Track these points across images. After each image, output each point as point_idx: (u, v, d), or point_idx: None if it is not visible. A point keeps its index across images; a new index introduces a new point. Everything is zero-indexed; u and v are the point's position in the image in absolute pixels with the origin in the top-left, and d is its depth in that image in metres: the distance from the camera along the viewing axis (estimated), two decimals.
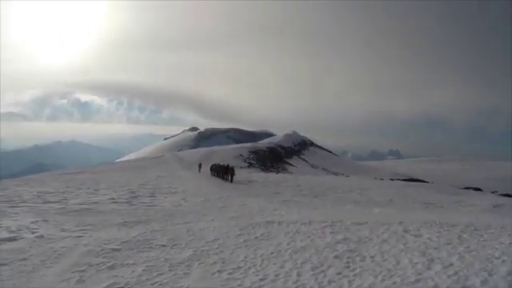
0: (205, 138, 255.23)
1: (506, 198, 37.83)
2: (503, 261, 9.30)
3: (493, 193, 51.46)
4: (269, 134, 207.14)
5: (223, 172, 40.88)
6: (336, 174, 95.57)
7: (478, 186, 67.08)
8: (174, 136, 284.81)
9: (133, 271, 9.26)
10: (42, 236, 12.31)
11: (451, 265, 9.12)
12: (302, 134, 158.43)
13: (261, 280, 8.65)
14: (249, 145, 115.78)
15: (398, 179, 74.94)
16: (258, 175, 54.12)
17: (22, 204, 18.83)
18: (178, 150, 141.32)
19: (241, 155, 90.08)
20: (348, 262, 9.69)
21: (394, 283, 8.16)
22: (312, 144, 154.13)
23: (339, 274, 8.90)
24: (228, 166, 41.18)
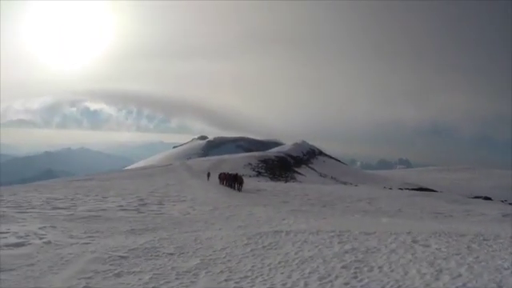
0: (214, 146, 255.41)
1: None
2: None
3: (502, 202, 51.11)
4: (278, 143, 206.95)
5: (232, 181, 40.82)
6: (345, 183, 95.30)
7: (488, 195, 66.61)
8: (183, 144, 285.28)
9: (140, 279, 9.25)
10: (49, 242, 12.35)
11: (460, 276, 9.06)
12: (310, 142, 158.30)
13: None
14: (258, 154, 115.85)
15: (407, 188, 74.58)
16: (266, 184, 54.12)
17: (30, 210, 18.91)
18: (187, 159, 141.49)
19: (250, 164, 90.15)
20: (356, 273, 9.64)
21: None
22: (321, 153, 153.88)
23: (347, 284, 8.86)
24: (237, 174, 41.12)
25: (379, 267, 10.06)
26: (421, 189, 76.90)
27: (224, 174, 45.37)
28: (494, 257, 10.77)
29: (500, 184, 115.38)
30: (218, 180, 45.84)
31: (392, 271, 9.67)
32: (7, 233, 13.05)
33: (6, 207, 19.01)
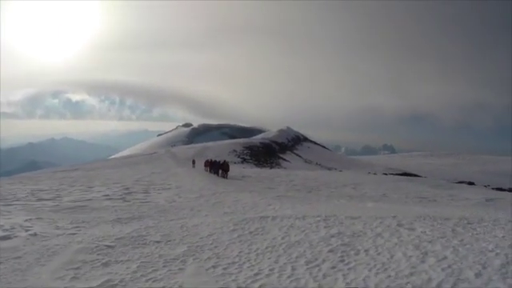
0: (198, 133, 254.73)
1: (499, 192, 38.05)
2: (497, 254, 9.34)
3: (485, 187, 51.72)
4: (263, 130, 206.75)
5: (217, 168, 40.80)
6: (329, 168, 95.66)
7: (471, 180, 67.32)
8: (167, 132, 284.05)
9: (127, 268, 9.24)
10: (35, 234, 12.28)
11: (445, 258, 9.15)
12: (295, 129, 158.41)
13: (255, 275, 8.65)
14: (242, 140, 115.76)
15: (392, 174, 75.08)
16: (251, 170, 54.16)
17: (15, 202, 18.77)
18: (172, 146, 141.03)
19: (234, 151, 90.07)
20: (342, 256, 9.70)
21: (389, 276, 8.18)
22: (306, 139, 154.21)
23: (334, 267, 8.92)
24: (224, 161, 41.08)
25: (365, 251, 10.13)
26: (405, 174, 77.44)
27: (209, 161, 45.35)
28: (478, 240, 10.89)
29: (484, 169, 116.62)
30: (203, 167, 45.82)
31: (378, 254, 9.74)
32: None
33: None
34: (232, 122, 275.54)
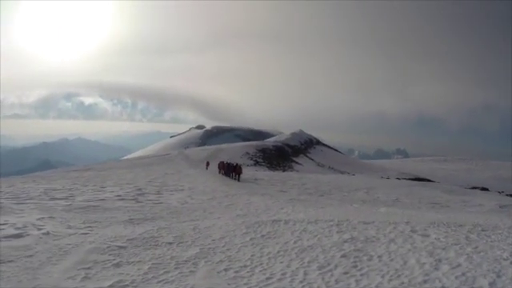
0: (211, 135, 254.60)
1: None
2: (511, 262, 9.25)
3: (499, 193, 51.24)
4: (276, 134, 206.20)
5: (230, 170, 40.80)
6: (342, 172, 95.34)
7: (484, 186, 66.78)
8: (180, 134, 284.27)
9: (139, 269, 9.24)
10: (48, 233, 12.31)
11: (459, 265, 9.09)
12: (307, 132, 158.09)
13: (267, 279, 8.62)
14: (256, 143, 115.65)
15: (405, 178, 74.66)
16: (264, 173, 54.10)
17: (28, 201, 18.83)
18: (185, 148, 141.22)
19: (247, 153, 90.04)
20: (355, 262, 9.66)
21: (402, 284, 8.12)
22: (318, 142, 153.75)
23: (346, 273, 8.87)
24: (237, 164, 41.02)
25: (379, 256, 10.07)
26: (418, 179, 76.98)
27: (223, 163, 45.33)
28: (492, 247, 10.79)
29: (497, 175, 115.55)
30: (216, 169, 45.83)
31: (391, 260, 9.69)
32: (5, 224, 12.98)
33: (4, 199, 18.94)
34: (244, 125, 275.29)
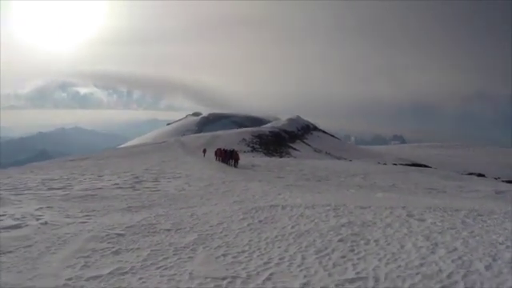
0: (208, 122, 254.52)
1: (509, 185, 37.81)
2: (507, 246, 9.34)
3: (496, 179, 51.44)
4: (273, 119, 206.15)
5: (227, 157, 40.83)
6: (339, 158, 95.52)
7: (481, 172, 66.98)
8: (176, 121, 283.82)
9: (138, 256, 9.28)
10: (46, 223, 12.31)
11: (455, 249, 9.15)
12: (304, 118, 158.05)
13: (265, 263, 8.68)
14: (252, 129, 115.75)
15: (401, 164, 74.86)
16: (261, 159, 54.20)
17: (26, 191, 18.83)
18: (182, 135, 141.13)
19: (244, 139, 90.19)
20: (352, 246, 9.72)
21: (399, 267, 8.18)
22: (315, 128, 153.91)
23: (343, 257, 8.93)
24: (233, 150, 41.04)
25: (375, 240, 10.14)
26: (415, 164, 77.22)
27: (220, 150, 45.35)
28: (488, 232, 10.87)
29: (494, 161, 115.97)
30: (213, 156, 45.88)
31: (388, 244, 9.75)
32: (4, 215, 12.97)
33: (2, 190, 18.91)
34: (240, 112, 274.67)
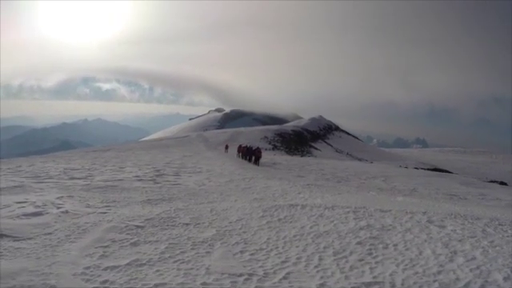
0: (230, 119, 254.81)
1: None
2: None
3: None
4: (296, 118, 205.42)
5: (250, 154, 40.72)
6: (360, 159, 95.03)
7: (503, 180, 66.08)
8: (199, 116, 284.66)
9: (156, 248, 9.34)
10: (66, 211, 12.46)
11: (474, 258, 9.06)
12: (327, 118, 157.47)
13: (283, 262, 8.68)
14: (274, 127, 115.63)
15: (423, 168, 74.21)
16: (282, 158, 54.15)
17: (47, 180, 19.06)
18: (204, 131, 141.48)
19: (266, 137, 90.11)
20: (370, 249, 9.68)
21: (416, 273, 8.13)
22: (337, 128, 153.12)
23: (361, 260, 8.89)
24: (257, 148, 40.94)
25: (394, 245, 10.07)
26: (436, 169, 76.48)
27: (242, 146, 45.29)
28: (508, 242, 10.72)
29: None
30: (235, 152, 45.88)
31: (407, 250, 9.68)
32: (25, 202, 13.20)
33: (24, 177, 19.21)
34: (259, 110, 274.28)
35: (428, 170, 68.78)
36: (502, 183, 57.71)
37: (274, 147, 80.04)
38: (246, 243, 10.08)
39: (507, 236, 11.51)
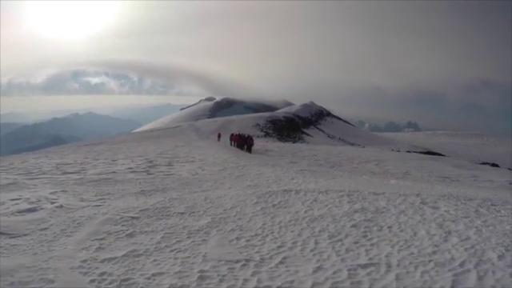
0: (222, 107, 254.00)
1: None
2: None
3: (510, 169, 50.95)
4: (287, 105, 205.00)
5: (242, 142, 40.72)
6: (353, 144, 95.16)
7: (495, 162, 66.40)
8: (190, 106, 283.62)
9: (152, 238, 9.38)
10: (61, 206, 12.45)
11: (468, 238, 9.14)
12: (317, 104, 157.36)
13: (278, 247, 8.73)
14: (266, 114, 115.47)
15: (415, 152, 74.41)
16: (274, 144, 54.14)
17: (41, 176, 18.98)
18: (195, 120, 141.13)
19: (257, 124, 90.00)
20: (365, 232, 9.75)
21: (411, 254, 8.19)
22: (329, 114, 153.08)
23: (356, 242, 8.96)
24: (248, 135, 40.92)
25: (389, 227, 10.15)
26: (429, 152, 76.70)
27: (234, 134, 45.27)
28: (502, 222, 10.82)
29: (508, 151, 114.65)
30: (227, 141, 45.86)
31: (401, 231, 9.75)
32: (19, 199, 13.14)
33: (17, 174, 19.11)
34: (250, 98, 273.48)
35: (420, 153, 68.98)
36: (494, 165, 57.93)
37: (266, 134, 80.00)
38: (241, 230, 10.13)
39: (500, 216, 11.61)
